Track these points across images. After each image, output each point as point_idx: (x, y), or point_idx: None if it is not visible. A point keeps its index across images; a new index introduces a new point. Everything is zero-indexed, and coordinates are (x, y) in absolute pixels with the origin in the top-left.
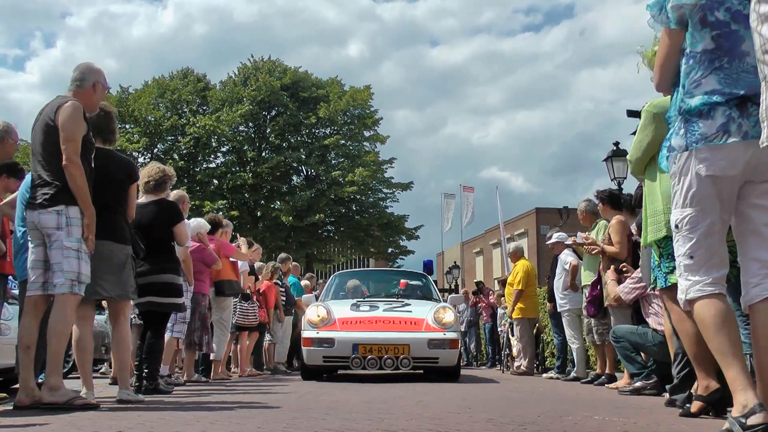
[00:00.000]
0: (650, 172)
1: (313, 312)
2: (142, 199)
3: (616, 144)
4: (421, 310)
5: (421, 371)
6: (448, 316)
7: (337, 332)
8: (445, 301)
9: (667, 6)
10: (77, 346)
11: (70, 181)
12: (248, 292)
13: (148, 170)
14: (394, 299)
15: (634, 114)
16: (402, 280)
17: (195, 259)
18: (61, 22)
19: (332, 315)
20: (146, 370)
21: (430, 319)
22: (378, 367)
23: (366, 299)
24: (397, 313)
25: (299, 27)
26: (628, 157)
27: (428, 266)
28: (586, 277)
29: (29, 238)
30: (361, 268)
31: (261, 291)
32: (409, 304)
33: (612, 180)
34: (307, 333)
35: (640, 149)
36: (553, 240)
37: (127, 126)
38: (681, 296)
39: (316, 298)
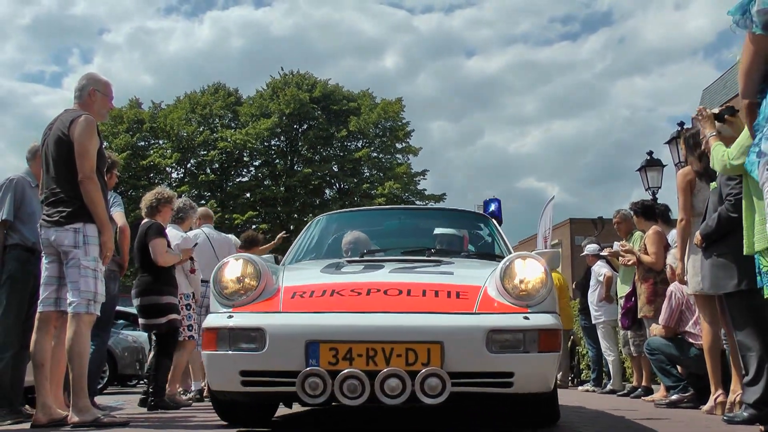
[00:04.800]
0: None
1: (229, 271)
2: (145, 221)
3: (650, 153)
4: (472, 272)
5: (471, 405)
6: (535, 277)
7: (274, 315)
8: None
9: (753, 10)
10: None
11: (86, 197)
12: None
13: (146, 195)
14: (422, 256)
15: (718, 117)
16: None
17: None
18: (98, 38)
19: (271, 278)
20: (151, 388)
21: (493, 286)
22: (367, 396)
23: (365, 256)
24: (419, 275)
25: (335, 39)
26: (728, 159)
27: (491, 206)
28: (622, 289)
29: (43, 254)
30: (371, 207)
31: None
32: (451, 263)
33: (646, 190)
34: (212, 319)
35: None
36: (586, 251)
37: (160, 141)
38: None
39: (277, 261)
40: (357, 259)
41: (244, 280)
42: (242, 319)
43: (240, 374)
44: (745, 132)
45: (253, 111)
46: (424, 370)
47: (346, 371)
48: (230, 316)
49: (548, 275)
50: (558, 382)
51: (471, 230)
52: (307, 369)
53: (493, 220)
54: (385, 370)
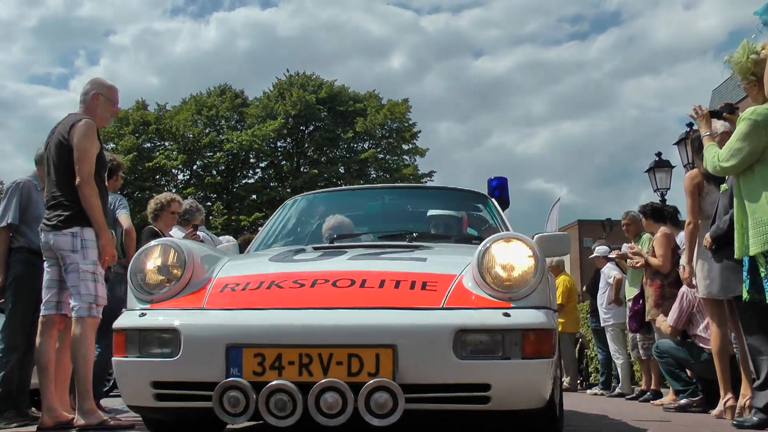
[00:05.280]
0: (748, 181)
1: (149, 258)
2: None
3: (659, 155)
4: (451, 259)
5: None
6: (521, 263)
7: (193, 312)
8: None
9: None
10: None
11: (84, 202)
12: None
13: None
14: (403, 241)
15: (716, 114)
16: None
17: None
18: (104, 40)
19: (202, 267)
20: None
21: (470, 275)
22: (299, 415)
23: (336, 241)
24: (384, 263)
25: (342, 40)
26: (717, 161)
27: (496, 186)
28: (630, 292)
29: (44, 258)
30: (355, 186)
31: None
32: (430, 248)
33: (655, 191)
34: (121, 318)
35: (740, 157)
36: (595, 254)
37: (166, 143)
38: None
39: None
40: (323, 245)
41: (166, 269)
42: (155, 317)
43: (152, 386)
44: (736, 134)
45: (259, 112)
46: (370, 383)
47: (273, 383)
48: (142, 314)
49: (539, 261)
50: (567, 386)
51: (467, 211)
52: (226, 380)
53: (493, 199)
54: (321, 381)
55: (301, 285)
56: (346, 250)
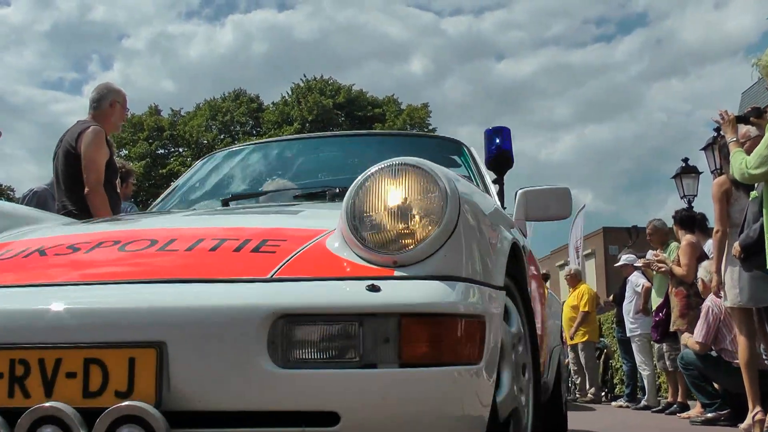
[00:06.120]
0: None
1: None
2: None
3: (685, 160)
4: (334, 213)
5: None
6: (417, 204)
7: None
8: None
9: None
10: None
11: (93, 210)
12: None
13: None
14: (323, 201)
15: (743, 119)
16: None
17: None
18: (117, 44)
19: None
20: None
21: (339, 231)
22: None
23: (229, 204)
24: (242, 218)
25: (360, 43)
26: (745, 168)
27: (492, 134)
28: (656, 301)
29: None
30: (295, 136)
31: None
32: (330, 203)
33: (682, 198)
34: None
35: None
36: (621, 262)
37: (180, 149)
38: None
39: None
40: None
41: None
42: None
43: None
44: (765, 140)
45: (275, 118)
46: (112, 409)
47: None
48: None
49: (449, 201)
50: (591, 397)
51: (438, 162)
52: None
53: (471, 148)
54: (35, 408)
55: (76, 250)
56: (214, 209)
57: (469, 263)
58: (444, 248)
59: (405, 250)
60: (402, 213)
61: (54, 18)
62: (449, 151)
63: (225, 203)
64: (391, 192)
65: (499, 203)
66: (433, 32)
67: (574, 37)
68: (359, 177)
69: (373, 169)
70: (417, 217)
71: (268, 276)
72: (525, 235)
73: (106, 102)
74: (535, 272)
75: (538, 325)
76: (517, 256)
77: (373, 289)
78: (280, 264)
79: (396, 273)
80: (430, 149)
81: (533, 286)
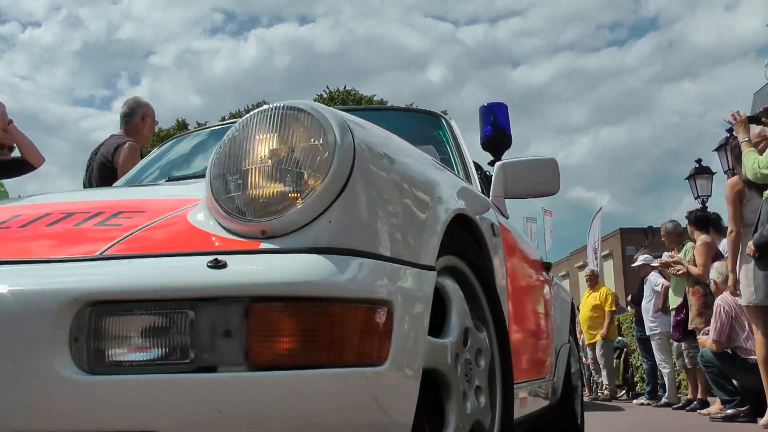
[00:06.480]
0: None
1: None
2: None
3: (699, 161)
4: None
5: None
6: (297, 156)
7: None
8: None
9: None
10: None
11: None
12: None
13: None
14: None
15: (755, 120)
16: None
17: None
18: (145, 60)
19: None
20: None
21: (206, 190)
22: None
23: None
24: (118, 191)
25: (380, 54)
26: (758, 168)
27: (486, 111)
28: (674, 301)
29: None
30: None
31: None
32: None
33: (696, 198)
34: None
35: None
36: (639, 262)
37: None
38: None
39: None
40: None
41: None
42: None
43: None
44: None
45: None
46: None
47: None
48: None
49: (338, 147)
50: (607, 393)
51: (408, 137)
52: None
53: (452, 121)
54: None
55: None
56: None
57: (372, 234)
58: (328, 213)
59: (276, 216)
60: (276, 169)
61: (84, 37)
62: (426, 124)
63: (169, 179)
64: (263, 143)
65: (479, 185)
66: (450, 41)
67: (588, 42)
68: (232, 127)
69: (248, 115)
70: (295, 174)
71: (96, 254)
72: (504, 215)
73: (137, 116)
74: (523, 258)
75: (535, 321)
76: (475, 233)
77: (217, 265)
78: (117, 239)
79: (262, 246)
80: (401, 122)
81: (518, 272)
